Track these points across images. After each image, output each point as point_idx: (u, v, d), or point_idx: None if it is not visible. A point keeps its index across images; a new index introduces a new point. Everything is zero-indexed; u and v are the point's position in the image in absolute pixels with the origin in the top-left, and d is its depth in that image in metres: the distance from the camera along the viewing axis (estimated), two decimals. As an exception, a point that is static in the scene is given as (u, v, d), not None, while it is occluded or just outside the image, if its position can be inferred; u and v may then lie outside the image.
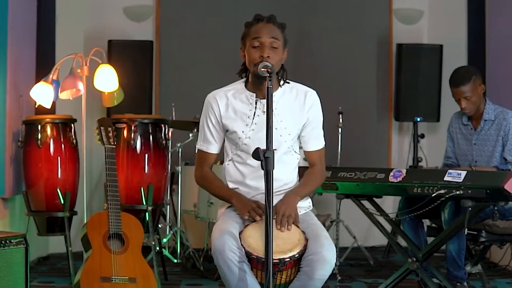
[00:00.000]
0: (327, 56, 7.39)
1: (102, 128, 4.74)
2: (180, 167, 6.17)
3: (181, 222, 6.20)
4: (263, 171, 3.16)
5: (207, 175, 3.65)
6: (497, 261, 6.09)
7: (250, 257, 3.31)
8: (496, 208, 4.13)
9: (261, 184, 3.33)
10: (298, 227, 3.44)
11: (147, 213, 5.31)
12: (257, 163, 3.25)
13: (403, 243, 4.92)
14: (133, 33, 7.17)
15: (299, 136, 3.63)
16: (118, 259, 4.46)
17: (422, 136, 7.06)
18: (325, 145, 3.69)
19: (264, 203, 3.21)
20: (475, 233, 4.56)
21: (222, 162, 3.74)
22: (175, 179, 6.30)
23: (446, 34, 7.28)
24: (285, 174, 3.58)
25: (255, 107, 3.56)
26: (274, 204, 3.35)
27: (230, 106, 3.58)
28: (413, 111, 7.05)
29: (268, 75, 3.31)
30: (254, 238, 3.34)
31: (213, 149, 3.65)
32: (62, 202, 5.27)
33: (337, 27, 7.38)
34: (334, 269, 3.37)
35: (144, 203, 5.32)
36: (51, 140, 5.31)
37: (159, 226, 5.83)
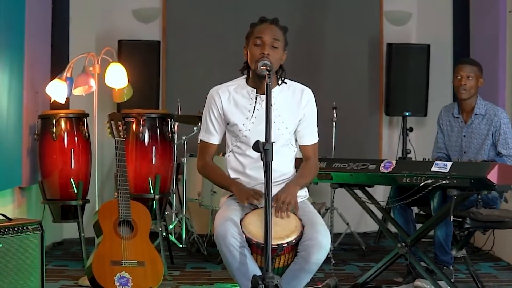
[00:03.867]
0: (322, 55, 7.36)
1: (112, 122, 4.74)
2: (185, 159, 6.15)
3: (186, 209, 6.18)
4: (262, 162, 3.15)
5: (208, 164, 3.64)
6: (481, 246, 6.07)
7: (250, 243, 3.30)
8: (479, 196, 4.11)
9: (260, 175, 3.32)
10: (295, 214, 3.43)
11: (154, 201, 5.31)
12: (256, 154, 3.23)
13: (393, 229, 4.91)
14: (141, 34, 7.14)
15: (295, 131, 3.62)
16: (128, 244, 4.45)
17: (411, 129, 7.03)
18: (318, 140, 3.68)
19: (263, 192, 3.20)
20: (460, 220, 4.56)
21: (224, 154, 3.73)
22: (180, 169, 6.29)
23: (433, 35, 7.26)
24: (283, 165, 3.57)
25: (255, 101, 3.54)
26: (274, 193, 3.35)
27: (231, 100, 3.57)
28: (402, 106, 7.03)
29: (268, 72, 3.30)
30: (254, 225, 3.33)
31: (214, 140, 3.63)
32: (75, 191, 5.25)
33: (332, 29, 7.36)
34: (328, 253, 3.35)
35: (152, 192, 5.31)
36: (65, 133, 5.30)
37: (166, 213, 5.82)
